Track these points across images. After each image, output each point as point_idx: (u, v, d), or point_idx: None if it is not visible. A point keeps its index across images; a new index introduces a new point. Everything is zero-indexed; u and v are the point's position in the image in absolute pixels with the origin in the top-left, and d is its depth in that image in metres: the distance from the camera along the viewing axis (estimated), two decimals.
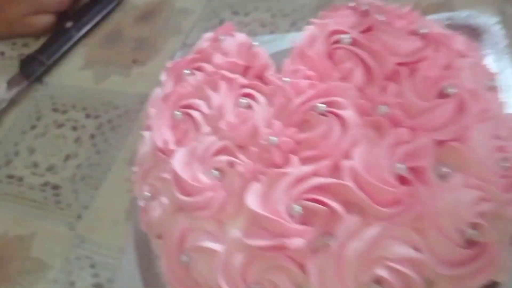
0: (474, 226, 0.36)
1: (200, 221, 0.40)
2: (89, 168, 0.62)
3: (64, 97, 0.71)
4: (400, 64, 0.41)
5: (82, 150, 0.64)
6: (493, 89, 0.42)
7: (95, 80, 0.70)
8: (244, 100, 0.41)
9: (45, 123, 0.69)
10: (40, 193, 0.62)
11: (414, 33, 0.44)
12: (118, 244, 0.55)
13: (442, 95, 0.40)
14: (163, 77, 0.49)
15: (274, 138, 0.38)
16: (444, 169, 0.38)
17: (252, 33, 0.63)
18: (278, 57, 0.59)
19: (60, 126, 0.68)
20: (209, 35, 0.52)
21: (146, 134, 0.46)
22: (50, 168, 0.64)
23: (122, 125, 0.64)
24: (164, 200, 0.41)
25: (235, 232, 0.38)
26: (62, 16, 0.80)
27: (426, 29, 0.44)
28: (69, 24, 0.76)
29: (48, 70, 0.75)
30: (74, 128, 0.67)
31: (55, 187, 0.62)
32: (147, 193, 0.43)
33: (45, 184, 0.63)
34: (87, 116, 0.67)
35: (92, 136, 0.65)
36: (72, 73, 0.73)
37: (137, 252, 0.52)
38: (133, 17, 0.75)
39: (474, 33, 0.55)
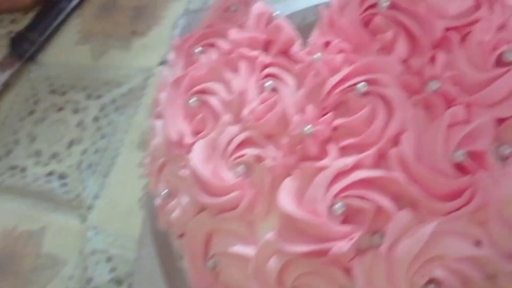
0: None
1: (227, 223, 0.35)
2: (95, 154, 0.58)
3: (62, 77, 0.66)
4: (449, 29, 0.35)
5: (86, 135, 0.59)
6: None
7: (93, 56, 0.65)
8: (269, 82, 0.36)
9: (44, 107, 0.63)
10: (46, 184, 0.58)
11: None
12: (134, 234, 0.50)
13: (501, 63, 0.34)
14: (170, 56, 0.43)
15: (308, 127, 0.33)
16: (507, 150, 0.33)
17: None
18: (293, 20, 0.54)
19: (60, 109, 0.63)
20: (218, 2, 0.45)
21: (157, 123, 0.40)
22: (54, 156, 0.59)
23: (127, 104, 0.59)
24: (184, 199, 0.37)
25: (267, 234, 0.33)
26: None
27: None
28: None
29: (41, 48, 0.69)
30: (75, 111, 0.62)
31: (62, 176, 0.58)
32: (164, 191, 0.38)
33: (51, 173, 0.59)
34: (88, 96, 0.62)
35: (95, 119, 0.60)
36: (68, 49, 0.67)
37: (156, 243, 0.48)
38: None
39: None
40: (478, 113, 0.33)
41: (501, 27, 0.37)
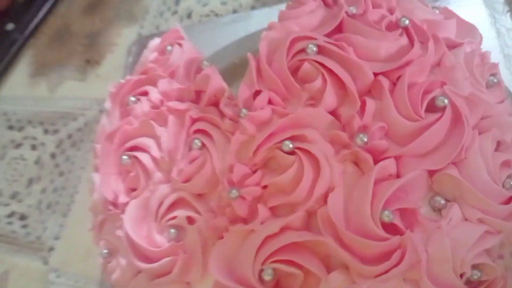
0: (476, 265, 0.31)
1: (164, 286, 0.35)
2: (54, 193, 0.57)
3: (18, 111, 0.64)
4: (380, 73, 0.34)
5: (45, 173, 0.58)
6: (494, 84, 0.35)
7: (49, 88, 0.63)
8: (197, 141, 0.35)
9: (2, 143, 0.62)
10: (7, 226, 0.57)
11: (394, 26, 0.36)
12: (95, 275, 0.50)
13: (433, 107, 0.33)
14: (107, 104, 0.42)
15: (233, 191, 0.32)
16: (440, 201, 0.32)
17: (212, 13, 0.55)
18: (246, 43, 0.52)
19: (18, 146, 0.62)
20: (155, 43, 0.44)
21: (95, 177, 0.40)
22: (14, 196, 0.59)
23: (83, 139, 0.58)
24: (122, 261, 0.36)
25: None
26: (1, 17, 0.70)
27: (408, 19, 0.36)
28: (10, 26, 0.67)
29: None
30: (33, 147, 0.61)
31: (22, 217, 0.57)
32: (104, 250, 0.37)
33: (11, 214, 0.58)
34: (45, 131, 0.61)
35: (53, 156, 0.59)
36: (23, 82, 0.66)
37: None
38: (80, 8, 0.66)
39: None
40: (410, 164, 0.32)
41: (435, 66, 0.36)
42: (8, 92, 0.66)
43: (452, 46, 0.37)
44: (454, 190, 0.32)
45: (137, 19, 0.62)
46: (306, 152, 0.32)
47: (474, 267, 0.31)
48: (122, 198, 0.37)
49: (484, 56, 0.37)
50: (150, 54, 0.43)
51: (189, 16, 0.59)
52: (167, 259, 0.33)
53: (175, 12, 0.60)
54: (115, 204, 0.37)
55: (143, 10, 0.63)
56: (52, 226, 0.55)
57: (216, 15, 0.54)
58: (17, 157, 0.62)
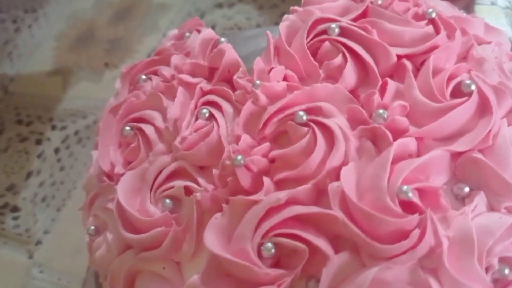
0: (504, 259, 0.28)
1: (151, 263, 0.31)
2: (52, 186, 0.55)
3: (29, 107, 0.64)
4: (404, 56, 0.32)
5: (46, 166, 0.57)
6: None
7: (64, 87, 0.63)
8: (205, 110, 0.33)
9: (8, 136, 0.61)
10: None
11: (420, 17, 0.35)
12: (79, 273, 0.47)
13: (458, 93, 0.31)
14: (117, 84, 0.41)
15: (239, 157, 0.30)
16: (463, 188, 0.29)
17: (236, 27, 0.55)
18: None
19: (23, 140, 0.61)
20: (173, 32, 0.43)
21: (94, 153, 0.38)
22: (10, 188, 0.57)
23: (90, 136, 0.57)
24: (109, 236, 0.33)
25: (193, 277, 0.30)
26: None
27: (435, 11, 0.35)
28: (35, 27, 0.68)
29: (13, 77, 0.68)
30: (38, 142, 0.60)
31: (15, 209, 0.55)
32: (91, 227, 0.35)
33: (4, 206, 0.56)
34: (53, 127, 0.60)
35: (56, 151, 0.57)
36: (39, 81, 0.66)
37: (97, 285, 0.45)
38: (108, 16, 0.67)
39: None
40: (432, 147, 0.30)
41: (461, 58, 0.34)
42: (22, 89, 0.66)
43: (480, 42, 0.36)
44: (479, 178, 0.29)
45: (160, 29, 0.63)
46: (321, 124, 0.30)
47: (502, 261, 0.27)
48: (119, 169, 0.34)
49: None
50: (167, 42, 0.43)
51: (213, 28, 0.59)
52: (157, 229, 0.30)
53: None
54: (110, 176, 0.35)
55: (168, 22, 0.63)
56: (43, 219, 0.53)
57: (240, 28, 0.53)
58: (21, 150, 0.60)
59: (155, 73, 0.39)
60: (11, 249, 0.52)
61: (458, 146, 0.29)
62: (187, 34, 0.41)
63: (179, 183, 0.32)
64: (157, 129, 0.34)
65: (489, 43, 0.36)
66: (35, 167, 0.58)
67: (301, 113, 0.30)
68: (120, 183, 0.33)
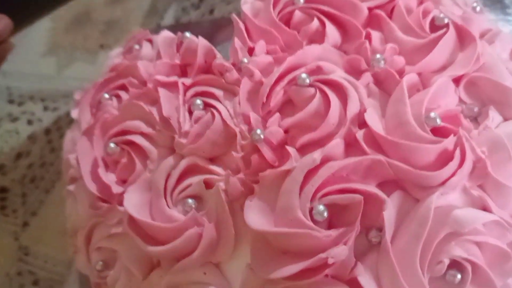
0: None
1: (189, 273, 0.27)
2: (41, 167, 0.52)
3: (22, 87, 0.60)
4: (374, 8, 0.33)
5: (36, 148, 0.54)
6: (479, 10, 0.36)
7: (58, 68, 0.61)
8: (199, 100, 0.30)
9: None
10: None
11: None
12: (65, 258, 0.46)
13: (434, 28, 0.32)
14: (74, 114, 0.37)
15: (258, 132, 0.28)
16: (473, 109, 0.30)
17: (235, 11, 0.54)
18: None
19: (14, 119, 0.58)
20: (117, 51, 0.40)
21: (72, 188, 0.33)
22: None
23: None
24: (126, 261, 0.28)
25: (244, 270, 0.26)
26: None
27: None
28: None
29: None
30: (30, 122, 0.57)
31: (3, 190, 0.52)
32: (98, 262, 0.30)
33: None
34: (45, 108, 0.58)
35: (47, 132, 0.55)
36: (32, 61, 0.63)
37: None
38: None
39: None
40: (432, 77, 0.30)
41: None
42: (15, 68, 0.61)
43: None
44: (484, 95, 0.31)
45: (158, 11, 0.62)
46: (326, 82, 0.29)
47: None
48: (116, 189, 0.30)
49: None
50: (115, 60, 0.40)
51: (211, 12, 0.59)
52: (189, 232, 0.27)
53: (198, 8, 0.60)
54: (106, 200, 0.30)
55: (166, 4, 0.62)
56: (31, 201, 0.50)
57: (239, 13, 0.52)
58: (11, 130, 0.57)
59: (119, 88, 0.35)
60: None
61: (458, 70, 0.30)
62: (136, 46, 0.38)
63: (195, 180, 0.29)
64: (147, 136, 0.31)
65: None
66: (25, 148, 0.55)
67: (304, 75, 0.29)
68: (126, 200, 0.29)
